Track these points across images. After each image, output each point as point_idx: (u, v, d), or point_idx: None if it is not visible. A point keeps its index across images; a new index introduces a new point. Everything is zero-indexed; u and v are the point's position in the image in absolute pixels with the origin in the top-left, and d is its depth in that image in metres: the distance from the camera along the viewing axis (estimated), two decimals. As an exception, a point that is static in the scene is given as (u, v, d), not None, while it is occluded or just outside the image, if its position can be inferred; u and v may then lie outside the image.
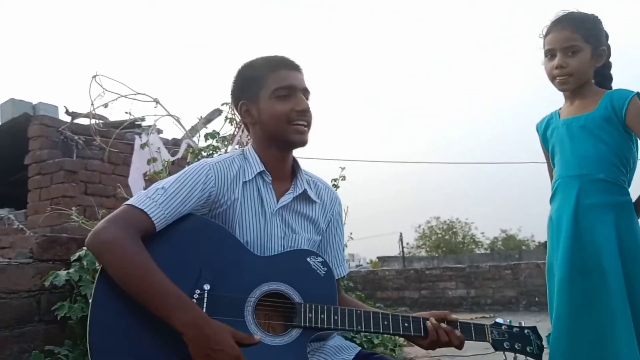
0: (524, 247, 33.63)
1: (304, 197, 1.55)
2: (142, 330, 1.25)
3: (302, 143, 1.51)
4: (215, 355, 1.18)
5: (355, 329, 1.37)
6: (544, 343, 1.50)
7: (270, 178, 1.51)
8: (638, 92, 1.74)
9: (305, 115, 1.49)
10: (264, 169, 1.50)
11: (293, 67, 1.53)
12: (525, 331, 1.45)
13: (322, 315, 1.34)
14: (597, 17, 1.85)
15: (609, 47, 1.86)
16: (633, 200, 1.75)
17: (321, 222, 1.58)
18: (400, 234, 29.95)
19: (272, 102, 1.48)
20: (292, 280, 1.37)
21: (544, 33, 1.86)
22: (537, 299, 8.48)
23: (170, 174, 2.80)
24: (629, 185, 1.77)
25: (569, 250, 1.72)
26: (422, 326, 1.40)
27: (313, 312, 1.34)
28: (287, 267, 1.40)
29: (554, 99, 1.95)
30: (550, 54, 1.83)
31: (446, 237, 35.16)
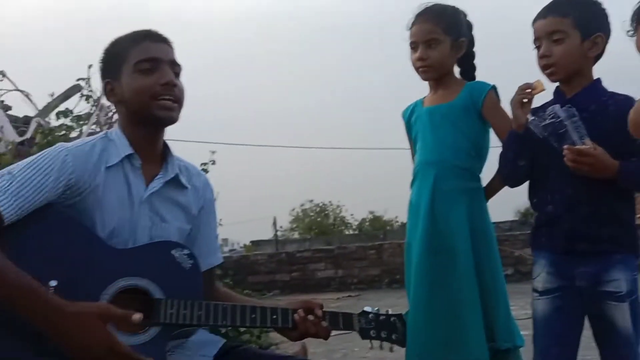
0: (388, 228, 35.72)
1: (175, 182, 1.45)
2: None
3: (170, 120, 1.40)
4: (86, 354, 1.10)
5: (220, 324, 1.32)
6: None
7: (140, 162, 1.39)
8: (494, 86, 1.86)
9: (171, 89, 1.37)
10: (132, 151, 1.38)
11: (159, 39, 1.43)
12: (392, 319, 1.48)
13: (185, 311, 1.28)
14: (457, 8, 1.93)
15: (471, 38, 1.97)
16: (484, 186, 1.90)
17: (193, 209, 1.49)
18: (274, 217, 30.22)
19: (134, 77, 1.37)
20: (154, 275, 1.28)
21: (409, 25, 1.93)
22: (398, 277, 9.04)
23: (18, 157, 2.49)
24: (480, 172, 1.91)
25: (426, 232, 1.82)
26: (290, 318, 1.38)
27: (175, 307, 1.27)
28: (149, 261, 1.31)
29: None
30: (413, 45, 1.90)
31: (318, 219, 36.15)
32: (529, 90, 1.64)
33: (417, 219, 1.87)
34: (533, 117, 1.58)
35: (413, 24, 1.91)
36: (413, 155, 2.02)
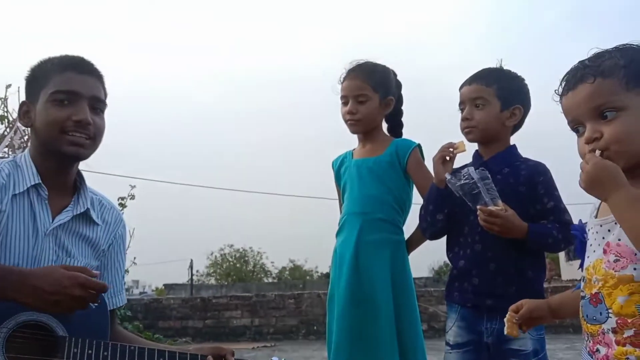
0: (308, 277, 35.60)
1: (85, 217, 1.38)
2: None
3: (77, 156, 1.34)
4: (59, 299, 1.14)
5: None
6: None
7: (47, 193, 1.31)
8: (419, 144, 1.95)
9: (84, 127, 1.31)
10: (39, 181, 1.30)
11: (85, 70, 1.36)
12: None
13: (90, 351, 1.20)
14: (387, 67, 2.03)
15: (399, 97, 2.06)
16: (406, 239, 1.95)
17: (102, 244, 1.42)
18: (191, 260, 29.27)
19: (47, 106, 1.31)
20: None
21: (341, 79, 2.00)
22: (315, 327, 8.95)
23: None
24: (403, 225, 1.96)
25: (349, 282, 1.84)
26: None
27: (79, 347, 1.19)
28: None
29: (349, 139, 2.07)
30: (344, 99, 1.97)
31: (237, 265, 35.41)
32: (452, 149, 1.73)
33: (342, 268, 1.89)
34: (451, 176, 1.66)
35: (345, 78, 1.99)
36: (341, 204, 2.05)
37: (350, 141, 2.07)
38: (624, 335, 0.96)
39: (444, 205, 1.74)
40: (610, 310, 0.98)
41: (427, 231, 1.84)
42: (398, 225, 1.93)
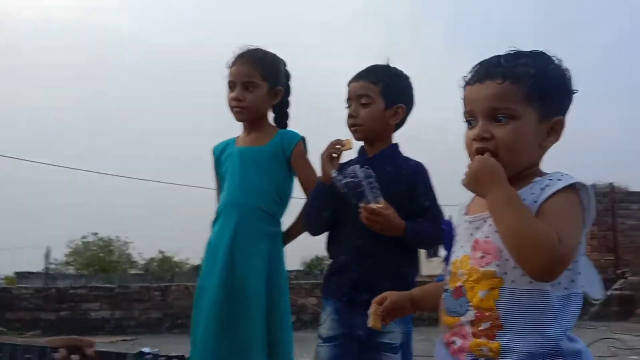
0: (177, 269, 34.45)
1: None
2: None
3: None
4: None
5: None
6: None
7: None
8: (304, 137, 1.94)
9: None
10: None
11: None
12: None
13: None
14: (278, 57, 1.99)
15: (288, 87, 2.03)
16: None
17: None
18: (48, 247, 26.88)
19: None
20: None
21: (229, 64, 1.92)
22: (181, 321, 8.67)
23: None
24: (281, 217, 1.93)
25: (222, 274, 1.78)
26: (48, 358, 1.18)
27: None
28: None
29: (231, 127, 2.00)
30: (231, 84, 1.90)
31: (101, 254, 33.23)
32: (339, 146, 1.74)
33: (215, 259, 1.82)
34: (337, 173, 1.67)
35: (233, 63, 1.91)
36: (218, 193, 1.97)
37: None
38: (480, 328, 1.01)
39: (329, 202, 1.74)
40: (470, 304, 1.03)
41: (312, 227, 1.83)
42: (276, 217, 1.91)
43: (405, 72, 1.85)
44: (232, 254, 1.80)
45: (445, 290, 1.11)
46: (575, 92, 1.09)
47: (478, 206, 1.09)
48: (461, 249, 1.10)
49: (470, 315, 1.03)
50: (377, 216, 1.60)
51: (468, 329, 1.03)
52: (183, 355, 1.41)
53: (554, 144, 1.09)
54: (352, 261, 1.71)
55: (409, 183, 1.72)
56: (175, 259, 38.86)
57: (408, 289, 1.68)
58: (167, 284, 10.15)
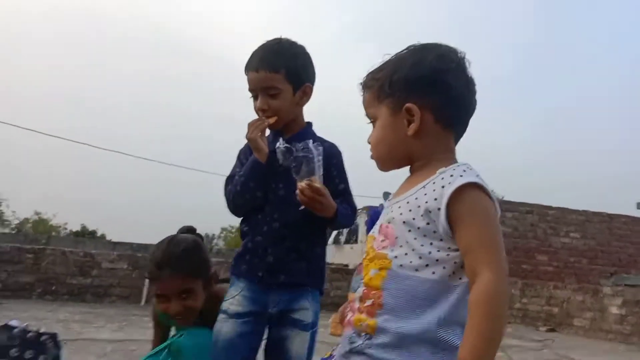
0: (54, 233, 32.24)
1: None
2: None
3: None
4: None
5: None
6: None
7: None
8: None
9: None
10: None
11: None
12: (42, 338, 1.28)
13: None
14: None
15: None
16: None
17: None
18: None
19: None
20: None
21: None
22: (54, 287, 8.14)
23: None
24: None
25: None
26: None
27: None
28: None
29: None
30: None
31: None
32: (262, 122, 1.69)
33: None
34: (284, 146, 1.62)
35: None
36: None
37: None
38: (365, 304, 1.07)
39: (265, 182, 1.69)
40: (362, 281, 1.10)
41: (241, 208, 1.75)
42: None
43: (298, 42, 1.78)
44: None
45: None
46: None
47: (400, 190, 1.15)
48: (373, 230, 1.16)
49: (360, 291, 1.10)
50: (321, 196, 1.58)
51: (356, 304, 1.10)
52: (56, 334, 1.32)
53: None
54: (269, 244, 1.68)
55: (325, 164, 1.66)
56: (53, 222, 36.47)
57: (320, 270, 1.74)
58: (42, 247, 9.46)
